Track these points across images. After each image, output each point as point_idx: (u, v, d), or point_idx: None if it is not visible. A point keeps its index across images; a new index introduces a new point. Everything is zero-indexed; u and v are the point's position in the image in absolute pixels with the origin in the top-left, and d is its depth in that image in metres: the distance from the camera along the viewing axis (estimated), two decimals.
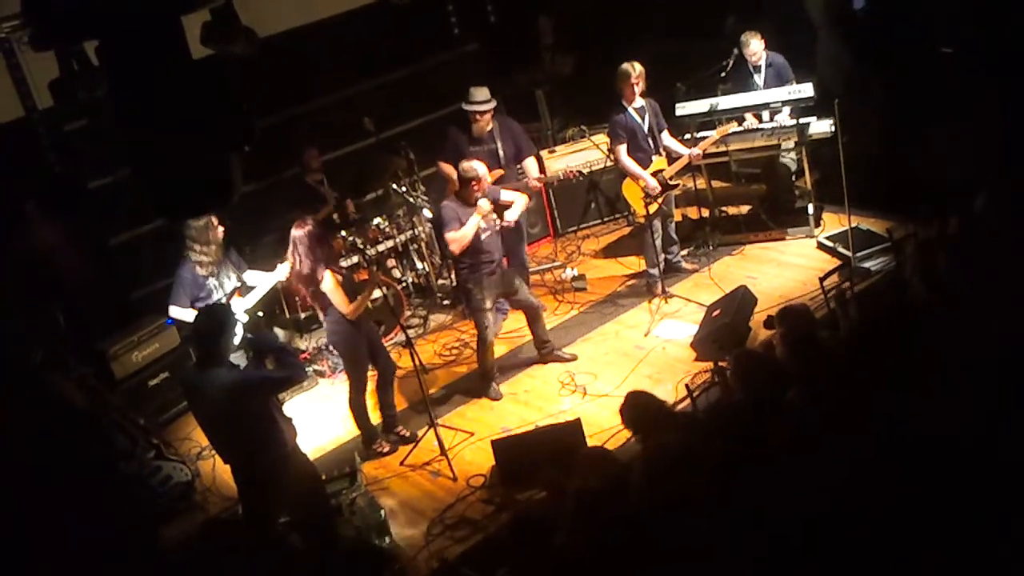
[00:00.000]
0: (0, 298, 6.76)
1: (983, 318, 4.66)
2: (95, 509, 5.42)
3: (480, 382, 7.23)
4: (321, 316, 7.03)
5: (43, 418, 5.68)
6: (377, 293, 6.90)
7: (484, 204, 6.69)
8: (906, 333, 4.80)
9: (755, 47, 8.18)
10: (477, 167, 6.71)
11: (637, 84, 7.54)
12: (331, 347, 7.67)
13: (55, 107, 5.97)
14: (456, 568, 5.30)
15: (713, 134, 8.00)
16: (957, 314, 4.84)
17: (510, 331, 7.84)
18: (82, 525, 5.23)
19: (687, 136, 8.17)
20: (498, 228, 6.91)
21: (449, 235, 6.67)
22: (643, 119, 7.67)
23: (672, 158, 7.89)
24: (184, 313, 6.75)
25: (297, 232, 6.28)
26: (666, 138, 7.91)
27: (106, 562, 5.17)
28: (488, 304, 6.89)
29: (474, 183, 6.67)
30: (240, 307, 6.84)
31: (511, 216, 7.01)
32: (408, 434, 6.76)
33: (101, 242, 8.09)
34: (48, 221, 7.31)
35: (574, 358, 7.32)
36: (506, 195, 7.08)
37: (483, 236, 6.73)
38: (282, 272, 6.94)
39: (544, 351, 7.35)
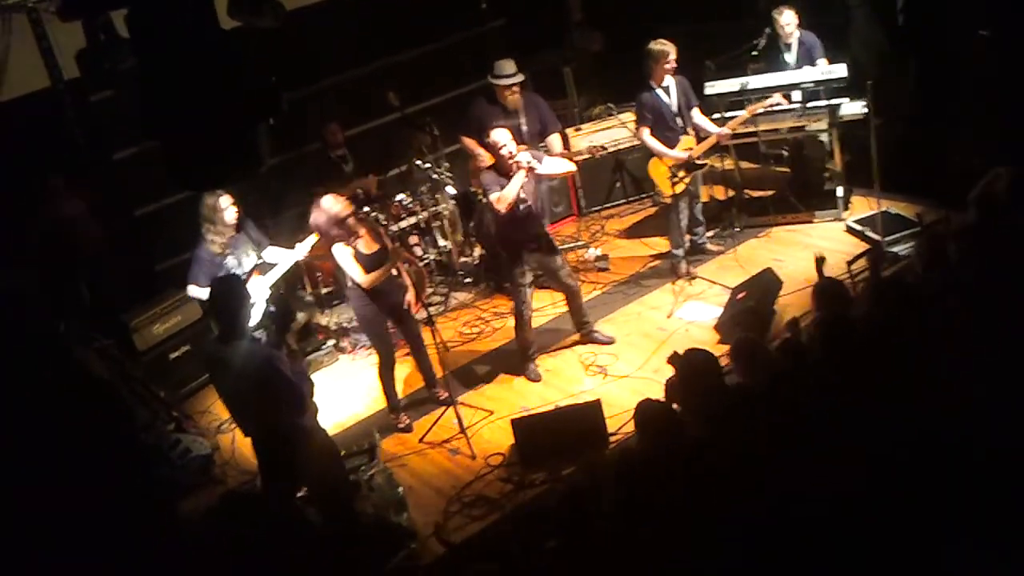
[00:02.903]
0: (25, 269, 6.79)
1: (996, 308, 4.59)
2: (114, 481, 5.44)
3: (519, 359, 7.17)
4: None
5: (65, 389, 5.69)
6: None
7: (524, 157, 6.54)
8: (916, 323, 4.74)
9: (787, 18, 8.02)
10: (495, 135, 6.61)
11: (669, 65, 7.43)
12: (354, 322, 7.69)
13: (81, 78, 5.96)
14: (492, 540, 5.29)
15: (743, 113, 7.88)
16: (969, 304, 4.77)
17: (539, 306, 7.75)
18: (101, 496, 5.25)
19: (716, 116, 8.07)
20: (536, 195, 6.84)
21: (493, 196, 6.55)
22: (671, 98, 7.57)
23: (701, 137, 7.79)
24: (203, 293, 6.67)
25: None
26: (697, 116, 7.78)
27: (125, 534, 5.19)
28: (527, 280, 6.83)
29: (499, 149, 6.56)
30: (262, 285, 6.82)
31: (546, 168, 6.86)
32: (444, 396, 6.76)
33: (125, 213, 8.11)
34: (73, 192, 7.33)
35: (612, 340, 7.24)
36: (551, 165, 6.96)
37: (521, 207, 6.62)
38: (302, 250, 6.89)
39: (584, 331, 7.30)
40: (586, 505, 4.03)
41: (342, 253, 6.32)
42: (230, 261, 6.75)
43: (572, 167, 7.23)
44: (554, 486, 5.77)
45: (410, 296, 6.63)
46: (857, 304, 5.35)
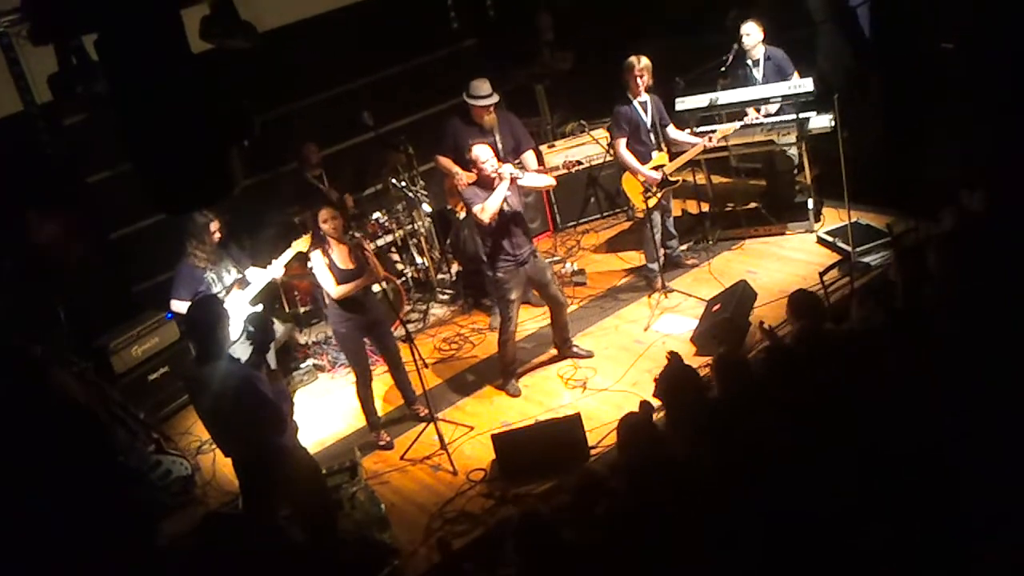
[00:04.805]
0: (1, 293, 6.77)
1: (975, 316, 4.67)
2: (94, 503, 5.42)
3: (499, 374, 7.19)
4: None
5: (43, 412, 5.67)
6: (376, 288, 6.91)
7: (507, 169, 6.62)
8: (900, 332, 4.82)
9: (747, 28, 8.06)
10: (477, 151, 6.67)
11: (641, 76, 7.52)
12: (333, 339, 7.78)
13: (54, 101, 5.96)
14: (457, 563, 5.30)
15: (726, 125, 7.95)
16: (946, 314, 4.85)
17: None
18: (81, 519, 5.23)
19: (686, 131, 8.15)
20: (522, 210, 6.86)
21: (476, 208, 6.58)
22: (646, 113, 7.67)
23: (674, 153, 7.88)
24: (185, 307, 6.77)
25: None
26: (672, 131, 7.88)
27: (105, 557, 5.17)
28: (514, 295, 6.84)
29: (482, 165, 6.60)
30: (242, 299, 6.86)
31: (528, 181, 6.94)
32: (424, 413, 6.77)
33: (101, 236, 8.09)
34: (48, 216, 7.32)
35: (590, 355, 7.28)
36: (532, 178, 7.06)
37: (506, 208, 6.61)
38: (276, 270, 6.98)
39: (564, 348, 7.33)
40: (542, 533, 4.06)
41: (317, 262, 6.46)
42: (210, 275, 6.86)
43: (551, 181, 7.32)
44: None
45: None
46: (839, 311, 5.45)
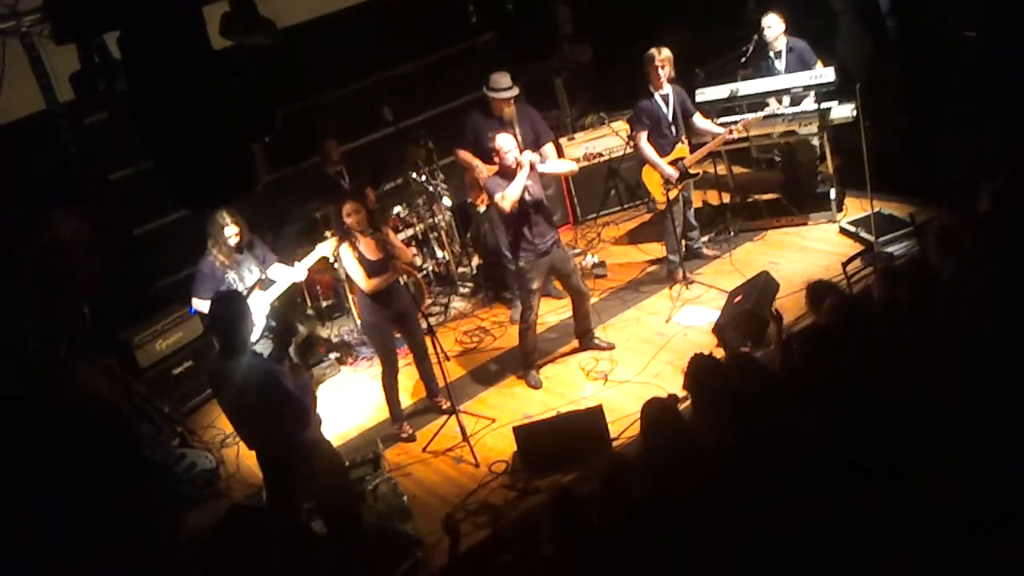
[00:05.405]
0: (26, 290, 6.84)
1: (1008, 302, 4.64)
2: (120, 496, 5.48)
3: (519, 365, 7.23)
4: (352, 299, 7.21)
5: (69, 407, 5.74)
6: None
7: (527, 156, 6.62)
8: (929, 316, 4.79)
9: (769, 20, 8.04)
10: (500, 140, 6.69)
11: (663, 68, 7.48)
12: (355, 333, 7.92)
13: (76, 100, 6.02)
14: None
15: (758, 115, 7.93)
16: (981, 297, 4.81)
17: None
18: (107, 512, 5.29)
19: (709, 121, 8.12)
20: (544, 199, 6.87)
21: (497, 197, 6.60)
22: (668, 106, 7.64)
23: (695, 144, 7.85)
24: (207, 306, 6.79)
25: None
26: (699, 120, 7.84)
27: (131, 549, 5.23)
28: (536, 285, 6.86)
29: (504, 154, 6.61)
30: (263, 301, 6.88)
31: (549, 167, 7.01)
32: (446, 405, 6.80)
33: (124, 233, 8.16)
34: (71, 213, 7.39)
35: (612, 347, 7.29)
36: (553, 164, 7.12)
37: (527, 196, 6.62)
38: (299, 273, 6.96)
39: (585, 339, 7.34)
40: (575, 514, 4.07)
41: (346, 257, 6.49)
42: (231, 275, 6.85)
43: (573, 165, 7.33)
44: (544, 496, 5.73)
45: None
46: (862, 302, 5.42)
